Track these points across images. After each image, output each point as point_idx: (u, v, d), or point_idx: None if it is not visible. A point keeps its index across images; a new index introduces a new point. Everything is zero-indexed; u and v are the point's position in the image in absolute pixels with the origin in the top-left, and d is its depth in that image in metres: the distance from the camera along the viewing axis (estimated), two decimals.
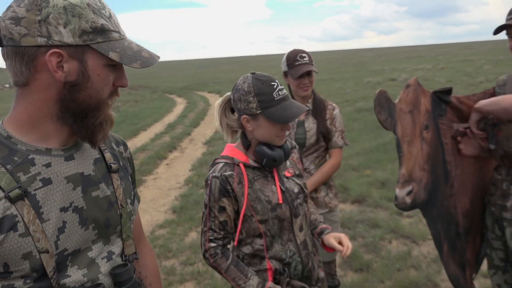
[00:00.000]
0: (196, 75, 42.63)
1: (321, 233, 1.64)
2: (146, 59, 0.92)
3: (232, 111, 1.58)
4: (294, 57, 2.26)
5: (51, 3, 0.84)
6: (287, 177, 1.59)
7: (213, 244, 1.52)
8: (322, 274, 1.69)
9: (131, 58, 0.90)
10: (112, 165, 1.05)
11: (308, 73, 2.26)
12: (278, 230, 1.53)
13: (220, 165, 1.53)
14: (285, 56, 2.34)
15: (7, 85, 37.43)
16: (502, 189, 1.89)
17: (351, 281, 3.09)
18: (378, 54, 70.92)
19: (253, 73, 1.49)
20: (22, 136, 0.90)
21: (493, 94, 1.91)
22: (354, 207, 4.54)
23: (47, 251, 0.86)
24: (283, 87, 1.49)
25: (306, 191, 1.63)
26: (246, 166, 1.53)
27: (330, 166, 2.32)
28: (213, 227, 1.52)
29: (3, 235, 0.82)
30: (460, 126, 1.85)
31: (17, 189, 0.84)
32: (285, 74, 2.33)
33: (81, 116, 0.92)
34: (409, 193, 1.70)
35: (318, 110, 2.33)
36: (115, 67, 0.93)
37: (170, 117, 13.01)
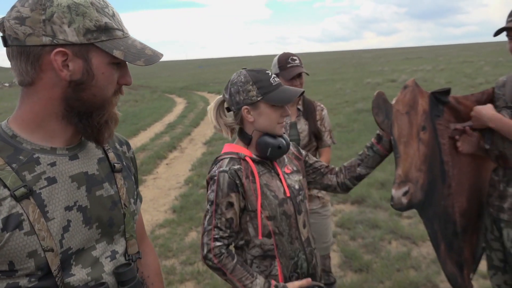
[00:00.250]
0: (196, 75, 42.65)
1: (379, 137, 1.68)
2: (150, 57, 0.92)
3: (227, 111, 1.59)
4: (286, 60, 2.34)
5: (55, 2, 0.84)
6: (287, 174, 1.58)
7: (218, 243, 1.46)
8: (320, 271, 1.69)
9: (135, 56, 0.90)
10: (115, 164, 1.05)
11: (299, 75, 2.36)
12: (286, 227, 1.51)
13: (226, 160, 1.51)
14: (276, 59, 2.41)
15: (7, 84, 37.39)
16: (499, 190, 1.90)
17: (350, 281, 3.10)
18: (378, 55, 70.98)
19: (244, 68, 1.54)
20: (27, 135, 0.91)
21: (492, 94, 1.92)
22: (354, 208, 4.55)
23: (52, 250, 0.87)
24: (275, 75, 1.55)
25: (305, 187, 1.64)
26: (252, 159, 1.52)
27: None
28: (219, 225, 1.47)
29: (8, 234, 0.83)
30: (457, 125, 1.87)
31: (22, 187, 0.85)
32: (276, 76, 2.37)
33: (86, 115, 0.92)
34: (405, 193, 1.71)
35: (309, 111, 2.43)
36: (119, 65, 0.94)
37: (170, 117, 13.02)
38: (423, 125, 1.77)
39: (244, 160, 1.50)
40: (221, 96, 1.59)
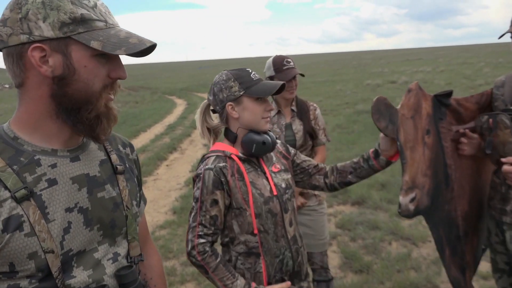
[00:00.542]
0: (196, 76, 42.65)
1: (377, 153, 1.64)
2: (133, 45, 0.88)
3: (213, 113, 1.63)
4: (281, 62, 2.39)
5: (29, 0, 0.85)
6: (274, 172, 1.59)
7: (202, 240, 1.48)
8: (309, 269, 1.72)
9: (115, 46, 0.86)
10: (118, 166, 1.04)
11: (294, 77, 2.40)
12: (272, 225, 1.53)
13: (212, 158, 1.53)
14: (269, 62, 2.45)
15: (7, 86, 37.42)
16: (501, 192, 1.89)
17: (351, 282, 3.10)
18: (378, 56, 71.03)
19: (226, 70, 1.58)
20: (27, 136, 0.91)
21: (490, 95, 1.91)
22: (354, 209, 4.56)
23: (52, 251, 0.87)
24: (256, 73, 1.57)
25: (293, 186, 1.64)
26: (238, 157, 1.54)
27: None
28: (203, 222, 1.49)
29: (9, 235, 0.83)
30: (459, 127, 1.86)
31: (23, 189, 0.85)
32: (271, 78, 2.44)
33: (74, 111, 0.90)
34: (412, 200, 1.69)
35: (303, 111, 2.48)
36: (107, 58, 0.90)
37: (170, 118, 13.02)
38: (427, 129, 1.75)
39: (230, 158, 1.52)
40: (206, 100, 1.62)
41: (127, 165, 1.10)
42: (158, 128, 11.17)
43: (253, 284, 1.50)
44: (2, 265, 0.84)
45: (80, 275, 0.92)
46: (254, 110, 1.51)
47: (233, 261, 1.56)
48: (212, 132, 1.63)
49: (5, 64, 0.90)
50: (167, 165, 7.22)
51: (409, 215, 1.72)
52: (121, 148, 1.12)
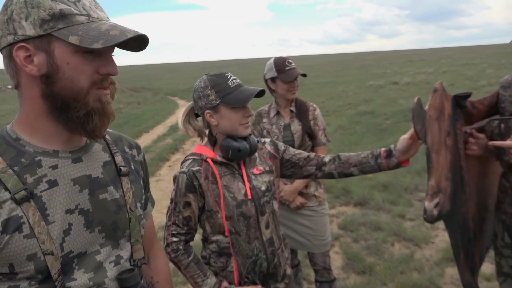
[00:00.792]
0: (198, 77, 42.42)
1: (389, 153, 1.58)
2: (112, 37, 0.84)
3: (197, 116, 1.66)
4: (283, 63, 2.40)
5: (14, 0, 0.85)
6: (255, 175, 1.61)
7: (175, 239, 1.56)
8: (289, 271, 1.72)
9: (93, 39, 0.83)
10: (122, 168, 1.03)
11: (295, 77, 2.41)
12: (244, 227, 1.55)
13: (189, 161, 1.59)
14: (271, 63, 2.45)
15: (10, 86, 37.53)
16: (511, 196, 1.86)
17: (353, 283, 3.10)
18: (380, 57, 70.94)
19: (207, 74, 1.59)
20: (29, 137, 0.91)
21: (497, 96, 1.87)
22: (357, 210, 4.55)
23: (52, 253, 0.86)
24: (236, 77, 1.56)
25: (274, 188, 1.65)
26: (214, 161, 1.57)
27: None
28: (177, 222, 1.56)
29: (8, 236, 0.83)
30: (466, 128, 1.84)
31: (23, 190, 0.85)
32: (273, 79, 2.44)
33: (64, 109, 0.89)
34: (436, 205, 1.66)
35: (302, 112, 2.48)
36: (96, 54, 0.88)
37: (173, 119, 13.02)
38: (448, 131, 1.72)
39: (206, 161, 1.56)
40: (191, 103, 1.65)
41: (132, 166, 1.09)
42: (160, 129, 11.18)
43: (224, 283, 1.55)
44: (1, 266, 0.84)
45: (81, 277, 0.92)
46: (231, 118, 1.52)
47: (207, 258, 1.63)
48: (197, 131, 1.67)
49: (3, 66, 0.91)
50: (169, 166, 7.23)
51: (432, 220, 1.68)
52: (127, 150, 1.11)
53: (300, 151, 1.74)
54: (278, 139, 2.44)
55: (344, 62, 56.72)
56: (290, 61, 2.42)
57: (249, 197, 1.56)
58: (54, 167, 0.91)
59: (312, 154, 1.71)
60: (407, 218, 4.19)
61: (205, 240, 1.63)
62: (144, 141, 9.50)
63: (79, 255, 0.92)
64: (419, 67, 29.74)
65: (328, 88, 18.50)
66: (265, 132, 2.51)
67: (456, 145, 1.78)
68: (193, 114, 1.66)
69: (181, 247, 1.56)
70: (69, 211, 0.90)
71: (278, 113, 2.52)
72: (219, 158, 1.58)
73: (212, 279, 1.55)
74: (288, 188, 2.46)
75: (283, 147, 1.72)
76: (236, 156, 1.53)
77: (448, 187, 1.72)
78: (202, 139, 1.68)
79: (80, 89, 0.87)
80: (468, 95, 1.77)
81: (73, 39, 0.83)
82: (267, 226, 1.60)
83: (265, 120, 2.55)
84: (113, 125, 1.15)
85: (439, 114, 1.68)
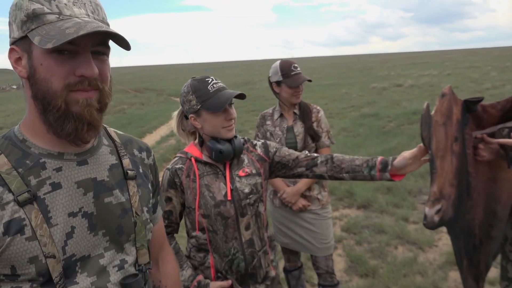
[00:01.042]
0: None
1: (385, 166, 1.55)
2: (64, 36, 0.79)
3: (187, 118, 1.70)
4: (289, 67, 2.40)
5: (13, 4, 0.88)
6: (239, 177, 1.63)
7: None
8: (273, 273, 1.73)
9: (49, 39, 0.80)
10: (128, 171, 1.02)
11: None
12: (221, 227, 1.59)
13: (176, 159, 1.67)
14: (276, 67, 2.45)
15: (15, 86, 37.73)
16: None
17: (356, 286, 3.09)
18: (384, 59, 70.87)
19: (192, 77, 1.62)
20: (34, 139, 0.91)
21: None
22: (360, 213, 4.53)
23: (53, 256, 0.86)
24: (219, 81, 1.59)
25: (261, 190, 1.67)
26: (198, 160, 1.62)
27: None
28: None
29: (10, 238, 0.82)
30: (477, 133, 1.80)
31: (26, 193, 0.85)
32: (278, 83, 2.44)
33: (43, 111, 0.87)
34: (438, 211, 1.64)
35: (305, 114, 2.49)
36: (73, 54, 0.84)
37: None
38: (455, 136, 1.68)
39: (190, 160, 1.63)
40: None
41: (140, 170, 1.07)
42: (163, 130, 11.19)
43: (199, 277, 1.61)
44: (4, 268, 0.84)
45: (83, 281, 0.91)
46: (213, 122, 1.57)
47: (189, 252, 1.70)
48: (188, 133, 1.74)
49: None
50: None
51: (433, 226, 1.66)
52: (136, 153, 1.10)
53: (292, 151, 1.73)
54: (281, 141, 2.45)
55: (348, 64, 56.68)
56: (296, 65, 2.42)
57: (229, 198, 1.58)
58: (58, 169, 0.90)
59: (303, 154, 1.69)
60: (411, 221, 4.17)
61: (188, 234, 1.69)
62: (147, 142, 9.49)
63: (82, 258, 0.91)
64: (423, 69, 29.68)
65: (331, 90, 18.48)
66: (268, 134, 2.52)
67: (463, 151, 1.75)
68: (184, 116, 1.72)
69: None
70: (72, 214, 0.90)
71: (281, 116, 2.52)
72: (204, 158, 1.64)
73: (187, 272, 1.61)
74: (290, 190, 2.46)
75: (274, 149, 1.73)
76: (218, 157, 1.57)
77: (452, 193, 1.70)
78: (195, 138, 1.73)
79: (53, 91, 0.84)
80: (479, 100, 1.74)
81: (36, 40, 0.81)
82: (247, 228, 1.62)
83: (268, 122, 2.55)
84: (117, 125, 1.14)
85: (446, 119, 1.66)
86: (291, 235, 2.55)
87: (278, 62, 2.47)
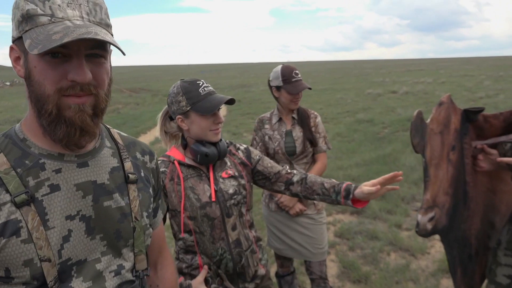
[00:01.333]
0: None
1: (348, 194, 1.54)
2: (50, 42, 0.76)
3: (171, 119, 1.72)
4: (290, 73, 2.41)
5: (14, 2, 0.87)
6: (223, 178, 1.65)
7: None
8: (262, 271, 1.74)
9: (36, 44, 0.77)
10: (129, 175, 1.00)
11: None
12: (208, 228, 1.60)
13: (159, 162, 1.66)
14: (277, 71, 2.45)
15: (8, 83, 37.42)
16: None
17: None
18: (379, 66, 71.24)
19: (181, 79, 1.63)
20: (35, 138, 0.89)
21: None
22: (353, 218, 4.53)
23: (49, 260, 0.84)
24: (209, 85, 1.61)
25: (244, 192, 1.67)
26: (181, 163, 1.63)
27: (317, 170, 2.49)
28: None
29: (5, 240, 0.81)
30: (477, 143, 1.79)
31: (23, 194, 0.83)
32: (278, 88, 2.44)
33: (38, 114, 0.86)
34: (431, 219, 1.63)
35: (303, 119, 2.51)
36: (67, 57, 0.82)
37: None
38: (453, 145, 1.68)
39: (173, 163, 1.63)
40: (166, 106, 1.71)
41: (142, 173, 1.05)
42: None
43: (180, 279, 1.61)
44: None
45: (78, 286, 0.89)
46: (201, 124, 1.57)
47: (177, 254, 1.70)
48: (170, 136, 1.74)
49: None
50: None
51: (426, 234, 1.65)
52: (138, 156, 1.08)
53: (273, 164, 1.76)
54: (280, 145, 2.46)
55: (343, 70, 56.90)
56: (297, 72, 2.44)
57: (213, 199, 1.60)
58: (58, 171, 0.88)
59: (284, 170, 1.73)
60: (404, 228, 4.17)
61: (174, 237, 1.69)
62: None
63: (78, 262, 0.89)
64: (418, 76, 29.87)
65: (326, 95, 18.54)
66: (266, 138, 2.52)
67: (461, 160, 1.75)
68: (168, 117, 1.73)
69: None
70: (69, 217, 0.88)
71: (280, 120, 2.53)
72: (187, 161, 1.64)
73: None
74: None
75: (257, 157, 1.75)
76: (204, 160, 1.59)
77: (446, 202, 1.69)
78: (176, 141, 1.75)
79: (46, 95, 0.82)
80: (480, 110, 1.74)
81: (26, 44, 0.79)
82: (233, 228, 1.64)
83: (267, 126, 2.55)
84: (111, 125, 1.12)
85: (443, 128, 1.66)
86: (285, 240, 2.54)
87: (279, 67, 2.47)
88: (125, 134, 1.11)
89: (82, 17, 0.82)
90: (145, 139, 9.91)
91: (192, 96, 1.56)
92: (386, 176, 1.43)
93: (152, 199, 1.08)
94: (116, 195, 0.96)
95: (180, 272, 1.67)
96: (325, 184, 1.62)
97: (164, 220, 1.66)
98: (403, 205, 4.74)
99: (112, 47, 0.90)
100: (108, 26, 0.87)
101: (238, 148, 1.75)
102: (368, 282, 3.20)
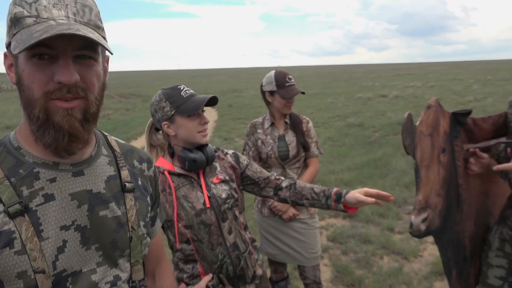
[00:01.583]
0: (188, 85, 42.26)
1: (339, 198, 1.55)
2: (29, 40, 0.74)
3: (157, 130, 1.73)
4: (283, 78, 2.43)
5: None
6: (214, 184, 1.65)
7: None
8: (260, 271, 1.75)
9: (19, 44, 0.76)
10: (126, 184, 0.97)
11: None
12: (206, 235, 1.59)
13: None
14: (271, 76, 2.46)
15: (5, 87, 36.95)
16: None
17: None
18: (369, 70, 71.80)
19: (162, 88, 1.64)
20: (29, 146, 0.87)
21: (505, 116, 1.82)
22: (346, 222, 4.54)
23: (43, 272, 0.81)
24: (190, 88, 1.63)
25: (236, 195, 1.68)
26: (171, 173, 1.61)
27: (310, 174, 2.50)
28: None
29: None
30: (469, 146, 1.80)
31: (17, 204, 0.81)
32: (271, 93, 2.45)
33: (29, 120, 0.84)
34: (424, 220, 1.64)
35: (296, 124, 2.52)
36: (54, 59, 0.80)
37: None
38: (443, 147, 1.70)
39: (163, 173, 1.61)
40: (152, 119, 1.70)
41: (139, 182, 1.03)
42: None
43: (181, 285, 1.61)
44: None
45: None
46: (188, 126, 1.57)
47: (176, 265, 1.68)
48: (158, 148, 1.74)
49: None
50: None
51: (419, 235, 1.67)
52: (136, 164, 1.05)
53: (261, 169, 1.77)
54: (273, 149, 2.46)
55: (333, 74, 57.22)
56: (290, 77, 2.46)
57: (208, 205, 1.59)
58: (52, 180, 0.86)
59: (272, 176, 1.74)
60: (396, 231, 4.19)
61: (171, 248, 1.67)
62: None
63: (73, 273, 0.87)
64: (407, 81, 30.14)
65: (317, 99, 18.61)
66: (259, 142, 2.51)
67: (452, 162, 1.76)
68: (154, 129, 1.73)
69: None
70: (64, 227, 0.85)
71: (272, 124, 2.54)
72: (177, 170, 1.63)
73: None
74: None
75: (245, 162, 1.76)
76: (192, 166, 1.57)
77: (439, 203, 1.71)
78: (164, 152, 1.74)
79: (34, 99, 0.80)
80: (468, 113, 1.76)
81: (12, 46, 0.78)
82: (230, 232, 1.64)
83: (259, 130, 2.56)
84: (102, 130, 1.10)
85: (432, 130, 1.68)
86: (278, 245, 2.53)
87: (273, 72, 2.48)
88: (123, 142, 1.09)
89: (68, 17, 0.80)
90: (136, 144, 9.80)
91: (175, 100, 1.56)
92: (381, 192, 1.46)
93: (149, 208, 1.05)
94: (112, 204, 0.93)
95: (181, 282, 1.65)
96: (315, 189, 1.63)
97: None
98: (395, 208, 4.76)
99: (107, 53, 0.88)
100: (98, 28, 0.84)
101: (226, 153, 1.76)
102: (362, 286, 3.20)
